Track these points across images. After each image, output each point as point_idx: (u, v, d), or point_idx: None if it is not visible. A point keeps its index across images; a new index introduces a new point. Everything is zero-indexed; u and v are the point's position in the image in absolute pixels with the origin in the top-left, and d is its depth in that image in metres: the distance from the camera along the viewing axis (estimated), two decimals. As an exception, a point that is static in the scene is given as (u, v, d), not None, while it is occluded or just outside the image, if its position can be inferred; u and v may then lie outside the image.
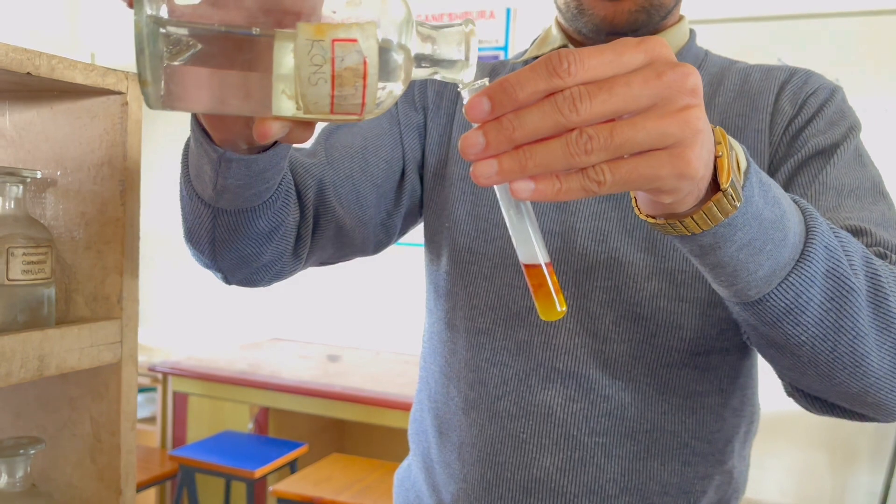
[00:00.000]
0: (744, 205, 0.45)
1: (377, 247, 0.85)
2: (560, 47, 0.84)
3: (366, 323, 3.13)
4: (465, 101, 0.40)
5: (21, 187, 0.64)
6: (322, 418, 2.77)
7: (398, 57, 0.40)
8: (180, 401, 2.66)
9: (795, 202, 0.52)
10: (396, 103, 0.84)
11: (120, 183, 0.68)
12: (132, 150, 0.68)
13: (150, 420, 3.16)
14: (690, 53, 0.83)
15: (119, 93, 0.67)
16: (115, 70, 0.66)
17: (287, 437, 2.67)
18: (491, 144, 0.38)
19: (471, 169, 0.38)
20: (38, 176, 0.65)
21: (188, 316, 3.47)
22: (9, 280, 0.62)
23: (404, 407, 2.26)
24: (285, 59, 0.38)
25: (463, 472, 0.80)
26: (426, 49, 0.42)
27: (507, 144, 0.38)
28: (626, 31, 0.76)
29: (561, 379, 0.75)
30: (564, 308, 0.45)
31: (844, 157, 0.71)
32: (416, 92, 0.87)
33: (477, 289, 0.80)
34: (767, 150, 0.75)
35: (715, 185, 0.44)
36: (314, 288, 3.24)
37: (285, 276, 0.77)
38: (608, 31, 0.77)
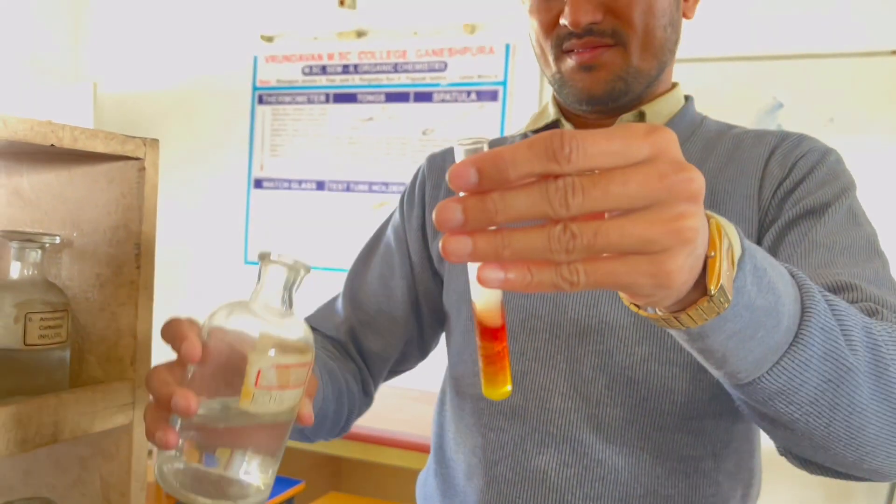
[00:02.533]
0: (735, 297, 0.43)
1: (425, 352, 0.98)
2: (553, 122, 0.85)
3: (364, 356, 3.12)
4: (457, 159, 0.38)
5: (40, 252, 0.65)
6: (320, 455, 2.75)
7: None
8: (177, 435, 2.64)
9: (793, 276, 0.50)
10: (397, 228, 0.95)
11: (135, 246, 0.69)
12: (148, 213, 0.70)
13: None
14: (684, 121, 0.84)
15: (137, 158, 0.69)
16: (133, 137, 0.68)
17: (285, 474, 2.65)
18: (469, 223, 0.35)
19: (440, 241, 0.36)
20: (57, 241, 0.66)
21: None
22: (26, 345, 0.63)
23: (403, 445, 2.25)
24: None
25: None
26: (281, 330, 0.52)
27: (485, 225, 0.35)
28: (605, 100, 0.78)
29: (555, 443, 0.76)
30: (510, 387, 0.44)
31: (836, 216, 0.71)
32: (416, 193, 0.94)
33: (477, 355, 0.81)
34: (756, 216, 0.75)
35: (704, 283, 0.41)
36: (312, 320, 3.24)
37: (365, 410, 0.94)
38: (588, 102, 0.78)
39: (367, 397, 0.92)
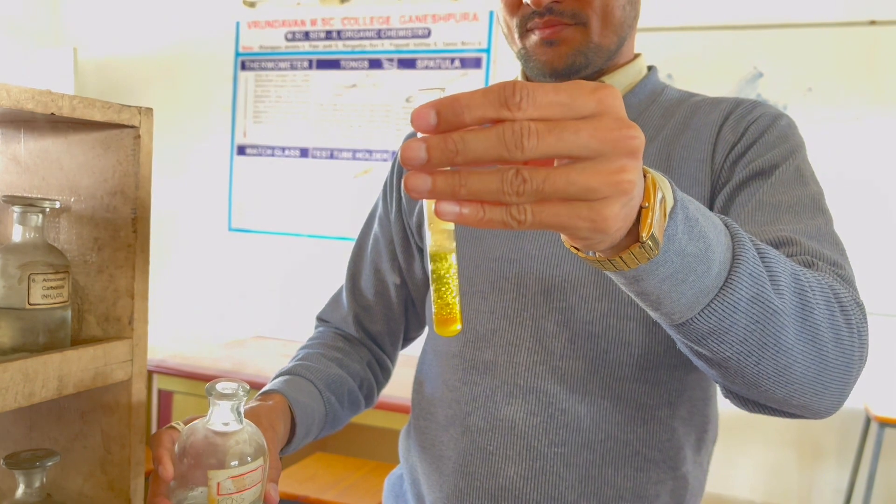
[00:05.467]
0: (665, 243, 0.46)
1: (425, 320, 1.05)
2: None
3: (348, 321, 3.17)
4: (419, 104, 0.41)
5: (41, 216, 0.68)
6: (305, 416, 2.81)
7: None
8: (165, 398, 2.69)
9: (727, 226, 0.54)
10: (380, 215, 1.04)
11: (132, 211, 0.72)
12: (143, 180, 0.73)
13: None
14: (645, 90, 0.88)
15: (132, 126, 0.71)
16: (129, 106, 0.70)
17: (270, 435, 2.70)
18: (432, 162, 0.38)
19: (404, 177, 0.39)
20: (57, 206, 0.69)
21: (172, 314, 3.49)
22: (30, 304, 0.66)
23: (386, 407, 2.31)
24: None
25: (440, 483, 0.87)
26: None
27: (444, 164, 0.38)
28: (567, 73, 0.82)
29: (522, 395, 0.82)
30: (461, 325, 0.47)
31: (783, 176, 0.75)
32: (395, 176, 1.01)
33: (458, 280, 0.87)
34: (708, 179, 0.80)
35: (637, 231, 0.45)
36: (299, 285, 3.28)
37: (386, 382, 1.07)
38: (550, 75, 0.83)
39: (385, 371, 1.06)
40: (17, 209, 0.67)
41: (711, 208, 0.79)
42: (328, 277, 3.18)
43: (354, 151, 3.25)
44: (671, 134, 0.83)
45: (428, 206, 0.45)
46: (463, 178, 0.38)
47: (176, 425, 0.70)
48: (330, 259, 3.19)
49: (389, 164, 3.17)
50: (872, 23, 2.67)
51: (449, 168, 0.39)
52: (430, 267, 0.46)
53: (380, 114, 3.21)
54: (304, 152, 3.33)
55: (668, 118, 0.85)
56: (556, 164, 0.40)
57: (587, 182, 0.38)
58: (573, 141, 0.37)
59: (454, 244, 0.46)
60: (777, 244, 0.69)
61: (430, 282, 0.46)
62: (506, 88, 0.37)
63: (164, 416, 2.74)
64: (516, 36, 0.84)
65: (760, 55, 2.75)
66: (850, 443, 2.72)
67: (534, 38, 0.82)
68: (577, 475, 0.81)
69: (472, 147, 0.37)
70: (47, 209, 0.68)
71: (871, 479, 2.44)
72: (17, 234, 0.67)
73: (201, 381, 2.58)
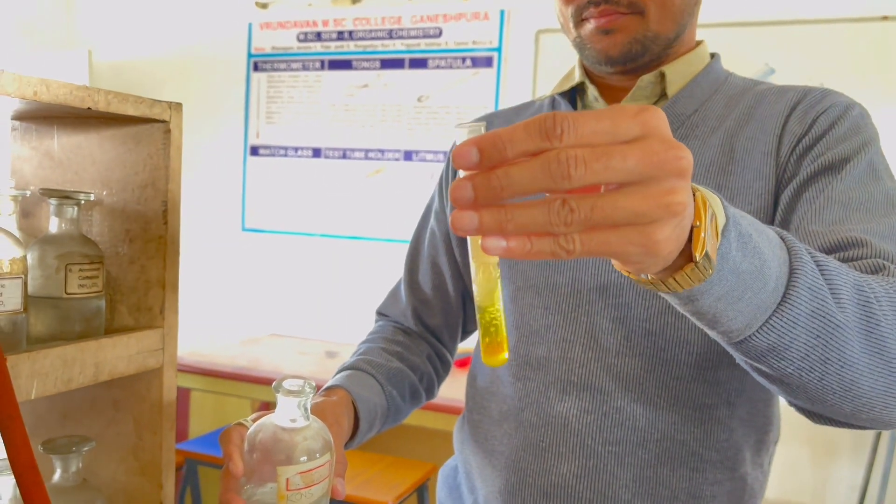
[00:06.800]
0: (719, 262, 0.45)
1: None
2: (578, 84, 0.89)
3: (364, 320, 3.19)
4: (457, 141, 0.40)
5: (76, 208, 0.70)
6: (320, 413, 2.83)
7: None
8: (183, 395, 2.72)
9: (783, 240, 0.52)
10: (436, 209, 1.04)
11: (163, 203, 0.74)
12: (174, 173, 0.74)
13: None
14: (707, 79, 0.85)
15: (163, 121, 0.73)
16: (160, 101, 0.72)
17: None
18: (479, 200, 0.38)
19: (451, 215, 0.39)
20: (92, 198, 0.71)
21: (189, 311, 3.52)
22: (67, 294, 0.68)
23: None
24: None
25: (493, 477, 0.87)
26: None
27: (492, 201, 0.38)
28: (623, 61, 0.81)
29: (576, 391, 0.81)
30: (507, 354, 0.47)
31: (855, 171, 0.71)
32: (450, 171, 1.01)
33: (503, 311, 0.87)
34: (773, 172, 0.76)
35: (690, 251, 0.44)
36: (313, 284, 3.30)
37: (446, 375, 1.07)
38: (606, 63, 0.82)
39: (445, 364, 1.06)
40: (53, 201, 0.69)
41: (776, 204, 0.76)
42: (341, 276, 3.20)
43: (367, 151, 3.27)
44: (735, 125, 0.80)
45: (472, 239, 0.45)
46: (509, 212, 0.37)
47: (244, 422, 0.71)
48: (343, 258, 3.21)
49: (401, 163, 3.19)
50: (885, 18, 2.67)
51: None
52: (475, 297, 0.46)
53: (391, 113, 3.23)
54: (316, 152, 3.35)
55: (731, 108, 0.82)
56: (602, 189, 0.39)
57: (636, 207, 0.37)
58: (620, 166, 0.36)
59: (499, 272, 0.46)
60: (846, 245, 0.66)
61: (476, 312, 0.46)
62: (546, 120, 0.37)
63: (182, 413, 2.77)
64: (571, 25, 0.83)
65: (772, 51, 2.76)
66: (864, 440, 2.71)
67: (589, 26, 0.80)
68: (632, 475, 0.79)
69: (517, 181, 0.37)
70: (83, 201, 0.70)
71: (886, 476, 2.43)
72: (54, 225, 0.69)
73: (218, 378, 2.61)
